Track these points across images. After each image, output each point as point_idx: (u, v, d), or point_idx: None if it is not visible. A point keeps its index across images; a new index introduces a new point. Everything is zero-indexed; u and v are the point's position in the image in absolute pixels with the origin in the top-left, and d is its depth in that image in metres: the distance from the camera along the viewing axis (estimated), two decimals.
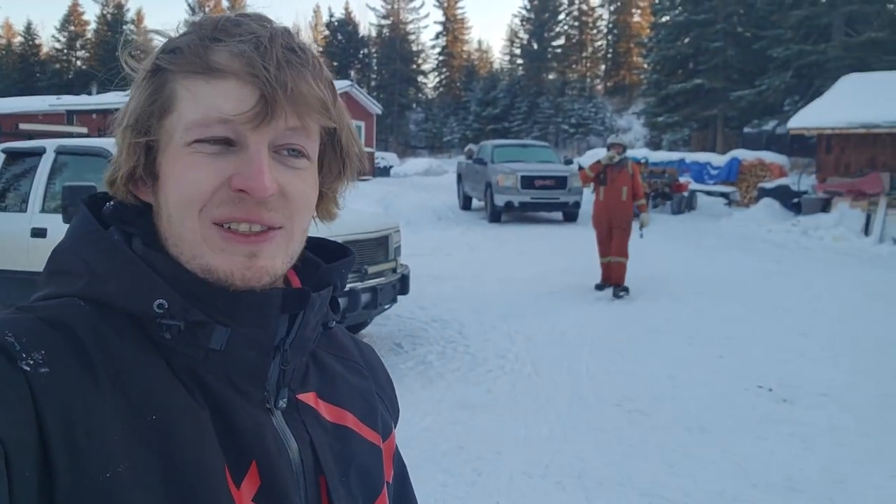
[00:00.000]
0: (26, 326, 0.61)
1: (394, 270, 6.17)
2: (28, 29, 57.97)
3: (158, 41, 0.69)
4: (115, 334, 0.64)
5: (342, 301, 5.34)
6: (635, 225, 8.59)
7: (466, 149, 23.05)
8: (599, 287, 8.51)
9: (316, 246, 0.82)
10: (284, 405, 0.72)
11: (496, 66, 58.91)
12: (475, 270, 10.12)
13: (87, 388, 0.59)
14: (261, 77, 0.64)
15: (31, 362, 0.58)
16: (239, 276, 0.66)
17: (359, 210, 11.93)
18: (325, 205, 0.79)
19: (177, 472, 0.61)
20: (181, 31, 0.69)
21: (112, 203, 0.73)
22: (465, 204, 18.93)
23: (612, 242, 8.37)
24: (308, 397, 0.76)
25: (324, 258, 0.82)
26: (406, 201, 19.65)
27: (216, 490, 0.62)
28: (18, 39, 58.77)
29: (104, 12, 54.43)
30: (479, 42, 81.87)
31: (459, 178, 19.51)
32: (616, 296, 8.19)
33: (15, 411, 0.55)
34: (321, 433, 0.75)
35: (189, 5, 58.63)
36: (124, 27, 52.21)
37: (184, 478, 0.61)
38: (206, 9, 59.03)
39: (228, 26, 0.66)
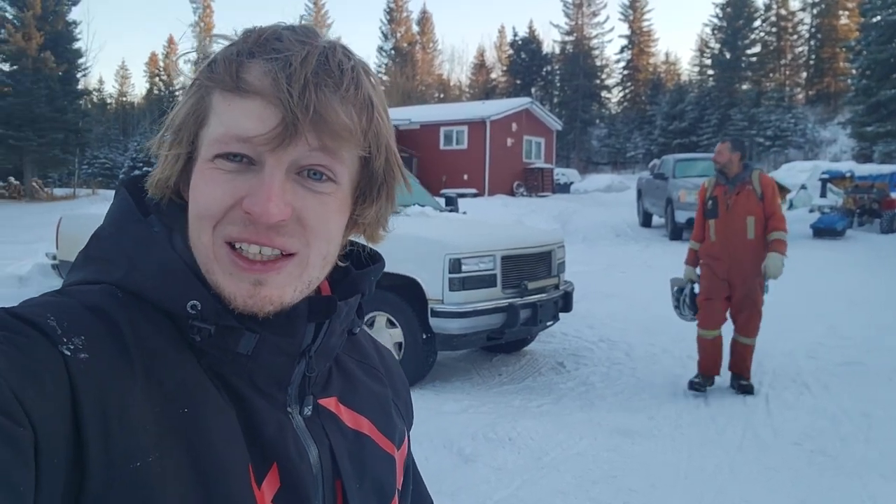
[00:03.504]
0: (68, 311, 0.62)
1: (556, 287, 6.02)
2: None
3: (219, 45, 0.69)
4: (152, 327, 0.65)
5: (501, 316, 5.29)
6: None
7: (651, 164, 22.30)
8: (698, 385, 5.26)
9: (351, 248, 0.81)
10: (310, 412, 0.74)
11: (684, 77, 56.52)
12: (650, 289, 9.61)
13: (124, 376, 0.60)
14: (283, 100, 0.63)
15: (72, 347, 0.58)
16: (241, 302, 0.66)
17: (526, 225, 11.91)
18: (367, 230, 0.77)
19: (204, 466, 0.61)
20: (231, 41, 0.68)
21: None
22: (645, 221, 18.30)
23: (734, 309, 5.32)
24: (329, 402, 0.77)
25: (355, 263, 0.81)
26: (584, 217, 19.33)
27: (240, 488, 0.63)
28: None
29: None
30: (667, 54, 78.99)
31: (639, 193, 18.91)
32: (740, 391, 5.20)
33: (51, 396, 0.55)
34: (340, 438, 0.76)
35: (382, 32, 61.94)
36: None
37: (210, 473, 0.61)
38: (398, 35, 62.21)
39: (268, 41, 0.66)
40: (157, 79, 62.28)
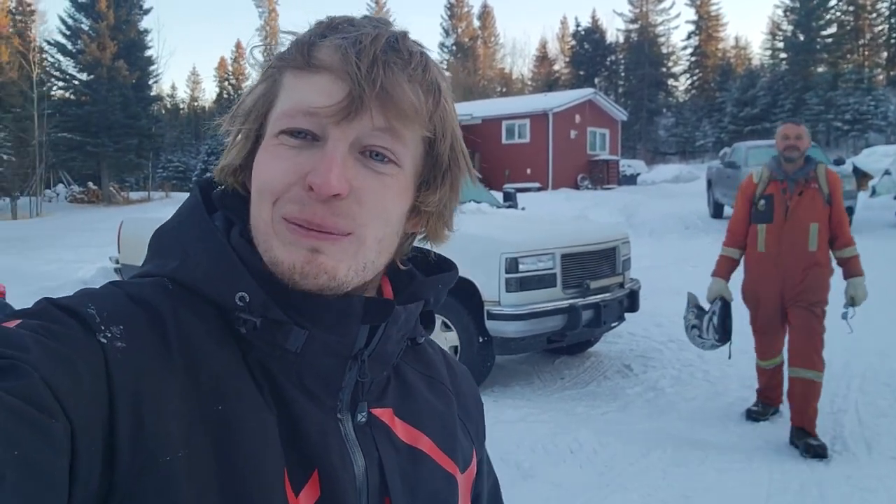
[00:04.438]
0: (111, 300, 0.62)
1: (621, 285, 5.68)
2: None
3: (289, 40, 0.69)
4: (197, 320, 0.64)
5: (561, 318, 5.00)
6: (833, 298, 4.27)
7: (721, 152, 21.50)
8: (755, 414, 4.51)
9: (420, 257, 0.79)
10: (364, 419, 0.71)
11: (755, 62, 54.48)
12: None
13: (161, 368, 0.59)
14: (350, 73, 0.63)
15: (109, 335, 0.58)
16: (299, 269, 0.64)
17: (588, 220, 11.50)
18: (429, 221, 0.74)
19: (233, 468, 0.59)
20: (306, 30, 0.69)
21: (222, 188, 0.73)
22: (716, 212, 17.55)
23: (792, 335, 4.23)
24: (384, 413, 0.74)
25: (426, 271, 0.79)
26: (651, 210, 18.70)
27: (272, 493, 0.61)
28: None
29: None
30: (736, 38, 76.13)
31: (709, 183, 18.14)
32: (808, 453, 3.89)
33: (86, 384, 0.54)
34: (392, 452, 0.72)
35: (443, 28, 61.95)
36: None
37: (240, 474, 0.59)
38: (459, 30, 62.02)
39: (341, 24, 0.67)
40: (226, 83, 63.79)
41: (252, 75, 0.72)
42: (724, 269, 4.51)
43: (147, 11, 34.02)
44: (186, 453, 0.57)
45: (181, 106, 67.12)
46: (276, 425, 0.63)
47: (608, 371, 5.78)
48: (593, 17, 61.02)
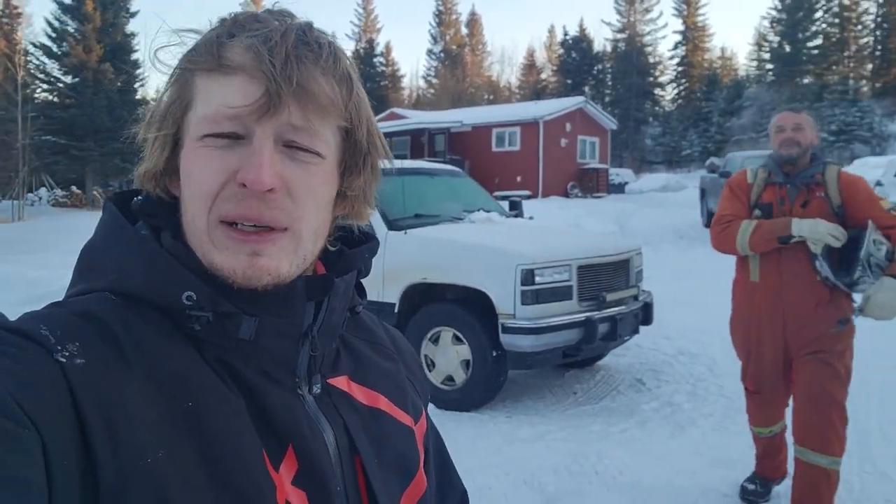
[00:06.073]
0: (60, 320, 0.62)
1: (635, 298, 5.55)
2: None
3: (193, 39, 0.69)
4: (146, 326, 0.64)
5: (578, 331, 4.87)
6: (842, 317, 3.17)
7: (708, 162, 21.60)
8: (752, 496, 3.48)
9: (340, 233, 0.81)
10: (319, 391, 0.74)
11: (741, 73, 54.88)
12: (725, 295, 9.02)
13: (122, 377, 0.60)
14: (266, 72, 0.64)
15: (67, 354, 0.58)
16: (241, 275, 0.66)
17: (594, 231, 11.41)
18: (353, 205, 0.77)
19: (215, 456, 0.61)
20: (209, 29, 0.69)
21: (140, 197, 0.74)
22: (709, 221, 17.49)
23: (798, 400, 3.18)
24: (340, 381, 0.78)
25: (349, 244, 0.81)
26: (643, 219, 18.67)
27: (256, 474, 0.63)
28: None
29: (357, 48, 59.02)
30: (722, 49, 76.59)
31: (703, 193, 18.15)
32: None
33: (52, 402, 0.55)
34: (355, 415, 0.76)
35: (431, 35, 61.90)
36: (374, 59, 56.31)
37: (223, 463, 0.61)
38: (447, 37, 62.01)
39: (246, 21, 0.67)
40: None
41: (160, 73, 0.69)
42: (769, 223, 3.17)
43: (134, 14, 33.65)
44: (167, 452, 0.58)
45: None
46: (245, 411, 0.65)
47: (620, 385, 5.64)
48: (581, 26, 61.14)
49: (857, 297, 3.13)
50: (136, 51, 33.85)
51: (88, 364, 0.58)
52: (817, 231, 3.01)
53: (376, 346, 0.87)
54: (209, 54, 0.66)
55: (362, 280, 0.84)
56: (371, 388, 0.80)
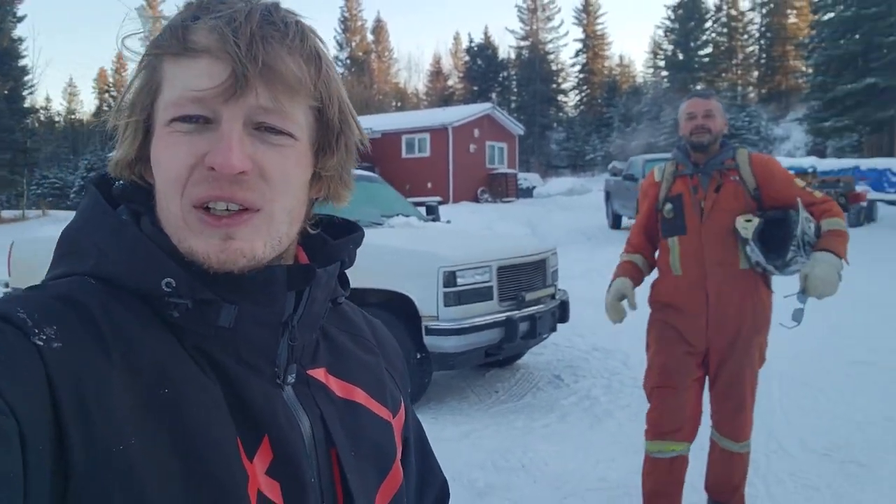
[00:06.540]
0: (38, 303, 0.61)
1: (552, 297, 5.72)
2: None
3: (162, 25, 0.68)
4: (126, 311, 0.64)
5: (499, 331, 4.97)
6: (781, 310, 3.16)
7: (611, 166, 22.32)
8: None
9: (325, 223, 0.82)
10: (293, 380, 0.74)
11: (639, 80, 57.15)
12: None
13: (100, 362, 0.59)
14: (231, 52, 0.63)
15: (44, 337, 0.58)
16: (215, 259, 0.65)
17: (510, 233, 11.63)
18: (331, 186, 0.76)
19: (189, 445, 0.61)
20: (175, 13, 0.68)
21: (121, 182, 0.73)
22: (615, 223, 18.22)
23: (715, 395, 3.18)
24: (318, 373, 0.77)
25: (333, 235, 0.81)
26: (552, 222, 19.15)
27: (229, 463, 0.62)
28: None
29: None
30: (621, 57, 79.49)
31: (608, 196, 18.81)
32: None
33: (28, 386, 0.55)
34: (331, 407, 0.76)
35: (337, 42, 61.38)
36: None
37: (196, 451, 0.61)
38: (353, 44, 61.64)
39: (211, 4, 0.66)
40: (106, 94, 60.74)
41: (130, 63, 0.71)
42: (628, 270, 3.32)
43: (21, 19, 31.97)
44: (139, 439, 0.58)
45: (57, 119, 63.24)
46: (222, 399, 0.65)
47: (540, 382, 5.80)
48: (486, 34, 62.44)
49: (784, 282, 3.14)
50: (23, 56, 32.20)
51: (66, 348, 0.58)
52: (611, 293, 3.34)
53: (357, 338, 0.87)
54: (174, 38, 0.65)
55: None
56: (348, 381, 0.80)
